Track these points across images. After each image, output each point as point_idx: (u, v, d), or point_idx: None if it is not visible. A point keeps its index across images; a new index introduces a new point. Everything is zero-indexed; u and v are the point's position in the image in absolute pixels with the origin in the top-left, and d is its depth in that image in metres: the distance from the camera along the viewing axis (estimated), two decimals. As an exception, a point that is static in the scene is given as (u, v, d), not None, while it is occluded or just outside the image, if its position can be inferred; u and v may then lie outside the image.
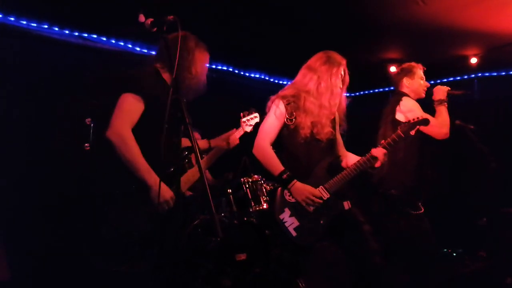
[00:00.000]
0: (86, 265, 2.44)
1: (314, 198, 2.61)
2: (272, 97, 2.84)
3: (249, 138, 3.07)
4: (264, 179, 3.79)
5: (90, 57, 4.17)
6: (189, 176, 2.66)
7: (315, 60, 2.80)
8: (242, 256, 3.15)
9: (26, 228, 3.43)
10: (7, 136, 3.47)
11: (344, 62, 2.80)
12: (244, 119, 3.11)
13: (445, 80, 3.49)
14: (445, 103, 3.32)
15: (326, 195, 2.64)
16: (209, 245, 3.14)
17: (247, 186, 3.61)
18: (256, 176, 3.75)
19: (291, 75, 5.76)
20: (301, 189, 2.62)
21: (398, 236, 3.30)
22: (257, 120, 3.15)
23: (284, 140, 2.78)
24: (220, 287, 3.06)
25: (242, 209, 3.60)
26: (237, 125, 3.08)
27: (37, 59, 3.84)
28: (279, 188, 2.74)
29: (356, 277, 2.73)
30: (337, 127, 2.90)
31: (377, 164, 2.69)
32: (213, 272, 3.06)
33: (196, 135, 3.85)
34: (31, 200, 3.53)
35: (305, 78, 2.80)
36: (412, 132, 2.95)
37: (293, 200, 2.66)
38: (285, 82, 5.89)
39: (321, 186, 2.65)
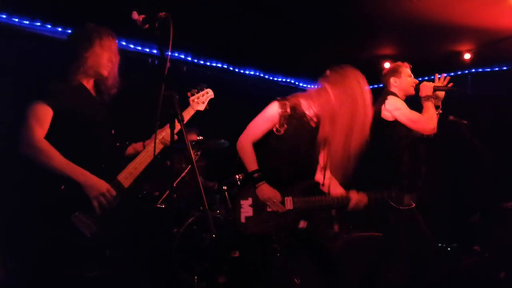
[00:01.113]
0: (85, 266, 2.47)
1: (275, 201, 2.78)
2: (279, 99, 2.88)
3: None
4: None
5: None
6: (131, 169, 2.53)
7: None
8: (237, 253, 3.17)
9: (26, 228, 3.45)
10: (7, 136, 3.50)
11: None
12: (192, 97, 2.90)
13: (439, 76, 3.51)
14: (432, 99, 3.36)
15: (290, 206, 2.79)
16: (204, 242, 3.16)
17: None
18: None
19: (286, 72, 5.80)
20: (266, 191, 2.79)
21: (392, 233, 3.33)
22: (211, 95, 2.97)
23: (270, 144, 2.89)
24: (216, 284, 3.07)
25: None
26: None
27: (35, 59, 3.87)
28: None
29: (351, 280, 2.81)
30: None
31: (349, 206, 2.81)
32: (209, 269, 3.08)
33: (193, 136, 3.85)
34: (30, 200, 3.55)
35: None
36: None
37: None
38: (279, 79, 5.88)
39: (291, 197, 2.80)
